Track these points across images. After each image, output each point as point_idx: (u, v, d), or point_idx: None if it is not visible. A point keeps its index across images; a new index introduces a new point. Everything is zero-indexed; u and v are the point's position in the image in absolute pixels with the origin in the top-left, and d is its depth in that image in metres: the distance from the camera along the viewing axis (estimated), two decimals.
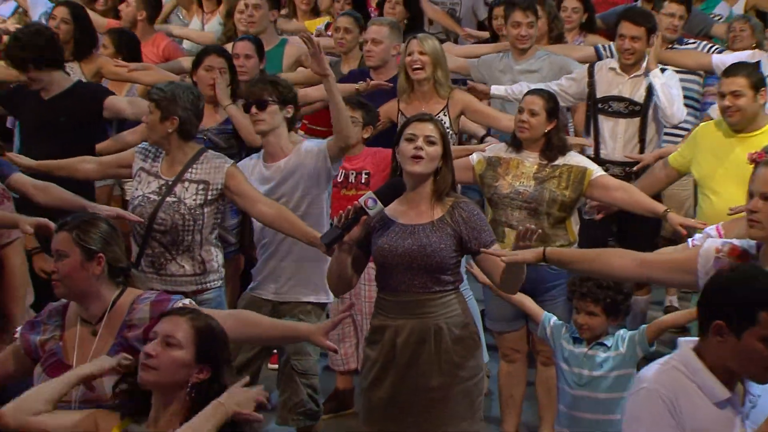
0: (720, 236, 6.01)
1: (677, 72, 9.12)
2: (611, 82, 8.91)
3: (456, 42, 11.31)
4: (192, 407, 4.36)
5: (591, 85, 8.94)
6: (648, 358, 5.37)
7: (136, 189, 6.85)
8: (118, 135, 8.22)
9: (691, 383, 4.17)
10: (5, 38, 9.90)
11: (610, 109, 8.85)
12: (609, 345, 6.33)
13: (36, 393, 4.62)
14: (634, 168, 8.57)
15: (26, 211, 6.54)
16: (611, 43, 9.48)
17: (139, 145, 7.01)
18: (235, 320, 5.03)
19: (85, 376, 4.67)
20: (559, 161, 7.39)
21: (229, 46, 9.04)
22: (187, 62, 9.46)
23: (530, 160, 7.40)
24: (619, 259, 5.32)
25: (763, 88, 7.36)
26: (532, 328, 7.48)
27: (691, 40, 9.85)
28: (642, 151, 8.72)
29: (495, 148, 7.67)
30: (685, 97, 9.27)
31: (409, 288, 5.98)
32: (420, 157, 5.91)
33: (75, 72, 8.94)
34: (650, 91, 8.79)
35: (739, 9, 11.72)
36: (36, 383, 4.91)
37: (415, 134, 5.93)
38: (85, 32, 9.29)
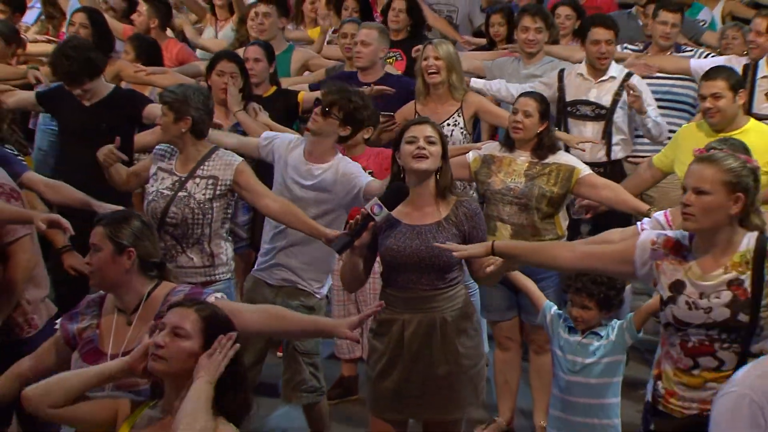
0: (668, 221, 6.20)
1: (675, 79, 9.15)
2: (579, 86, 8.89)
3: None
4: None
5: (561, 89, 8.93)
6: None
7: (152, 185, 6.83)
8: (137, 135, 8.15)
9: None
10: (29, 46, 9.90)
11: (578, 113, 8.82)
12: (602, 335, 6.31)
13: (60, 383, 4.57)
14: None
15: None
16: None
17: (156, 147, 6.98)
18: (266, 314, 5.05)
19: (110, 377, 4.62)
20: (549, 160, 7.36)
21: (241, 51, 8.99)
22: (203, 66, 9.29)
23: (522, 158, 7.38)
24: (563, 252, 5.41)
25: (741, 90, 7.35)
26: (524, 318, 7.52)
27: (689, 48, 9.75)
28: (608, 152, 8.73)
29: (489, 146, 7.64)
30: (681, 102, 9.34)
31: (416, 285, 5.97)
32: (424, 156, 5.88)
33: None
34: (616, 95, 8.81)
35: (716, 14, 11.61)
36: (73, 368, 4.92)
37: (416, 136, 5.91)
38: (103, 36, 9.25)
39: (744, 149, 6.04)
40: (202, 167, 6.73)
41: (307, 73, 10.02)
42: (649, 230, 5.41)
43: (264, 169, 7.25)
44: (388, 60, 9.90)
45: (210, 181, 6.69)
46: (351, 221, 5.81)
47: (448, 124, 8.39)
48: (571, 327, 6.36)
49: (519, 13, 9.67)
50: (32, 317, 6.35)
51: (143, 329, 4.88)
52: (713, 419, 3.98)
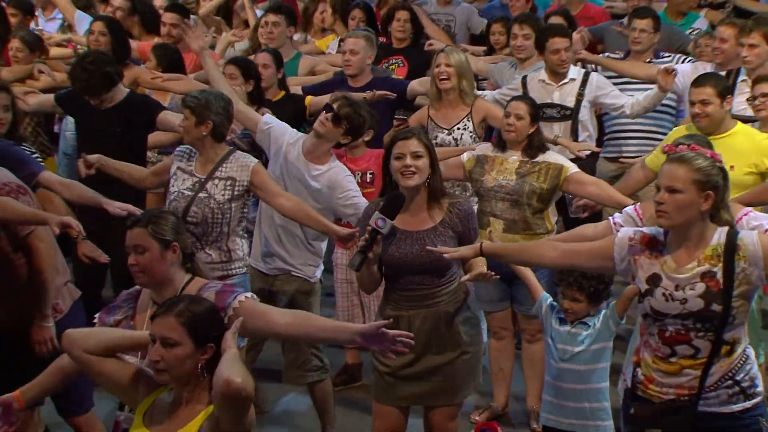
0: (638, 215, 6.20)
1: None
2: (542, 91, 8.83)
3: None
4: (211, 379, 4.32)
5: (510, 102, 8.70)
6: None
7: (173, 185, 6.80)
8: (151, 134, 8.17)
9: None
10: (51, 50, 9.87)
11: (544, 116, 8.65)
12: (590, 324, 6.29)
13: (100, 334, 4.63)
14: None
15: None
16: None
17: (177, 149, 6.97)
18: (294, 317, 4.94)
19: (140, 343, 4.61)
20: (539, 158, 7.35)
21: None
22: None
23: (513, 158, 7.37)
24: (547, 251, 5.39)
25: (728, 96, 7.31)
26: (516, 308, 7.51)
27: (667, 54, 9.69)
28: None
29: (483, 147, 7.63)
30: (663, 104, 9.22)
31: (418, 285, 5.94)
32: (412, 173, 5.83)
33: None
34: (579, 95, 8.81)
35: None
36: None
37: (403, 153, 5.85)
38: (121, 43, 9.25)
39: (707, 144, 6.04)
40: (220, 169, 6.71)
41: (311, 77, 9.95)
42: (626, 228, 5.35)
43: None
44: (390, 66, 9.93)
45: (228, 182, 6.68)
46: (360, 239, 5.77)
47: (458, 128, 8.38)
48: (562, 318, 6.34)
49: (510, 23, 9.77)
50: (57, 302, 6.32)
51: None
52: None
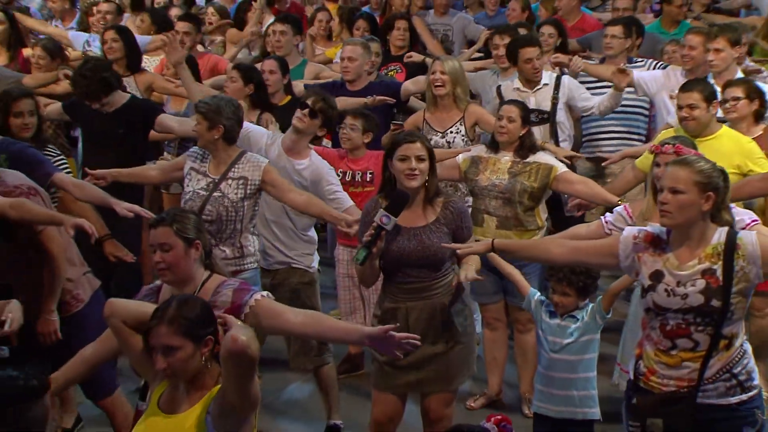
0: (628, 214, 6.25)
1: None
2: (518, 98, 8.60)
3: None
4: (216, 364, 4.28)
5: (502, 104, 8.53)
6: None
7: (187, 186, 6.74)
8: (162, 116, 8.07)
9: None
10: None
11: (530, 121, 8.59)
12: (578, 317, 6.23)
13: (136, 307, 4.57)
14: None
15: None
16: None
17: (190, 150, 6.91)
18: (306, 317, 4.88)
19: None
20: (530, 159, 7.32)
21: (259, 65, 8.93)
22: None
23: (506, 158, 7.33)
24: (556, 248, 5.32)
25: (714, 101, 7.27)
26: (509, 301, 7.45)
27: (640, 60, 9.63)
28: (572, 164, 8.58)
29: (477, 149, 7.60)
30: (635, 106, 9.29)
31: (415, 278, 5.88)
32: (415, 174, 5.79)
33: (130, 85, 8.86)
34: (554, 98, 8.75)
35: None
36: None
37: (407, 155, 5.80)
38: (133, 49, 9.22)
39: (691, 144, 6.17)
40: (233, 169, 6.63)
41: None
42: (630, 227, 5.28)
43: None
44: (389, 72, 9.88)
45: (241, 182, 6.61)
46: (366, 236, 5.70)
47: (451, 132, 8.35)
48: (552, 312, 6.29)
49: (492, 33, 9.71)
50: (77, 293, 6.28)
51: None
52: None
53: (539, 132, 8.60)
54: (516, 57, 8.81)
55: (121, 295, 5.03)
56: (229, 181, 6.60)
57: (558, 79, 8.80)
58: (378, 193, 6.03)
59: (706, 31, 8.76)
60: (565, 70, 9.19)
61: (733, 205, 5.86)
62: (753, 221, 5.89)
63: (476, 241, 6.21)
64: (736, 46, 8.38)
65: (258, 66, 8.78)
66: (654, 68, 9.34)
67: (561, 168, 7.31)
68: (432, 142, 7.82)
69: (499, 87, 8.88)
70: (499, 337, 7.64)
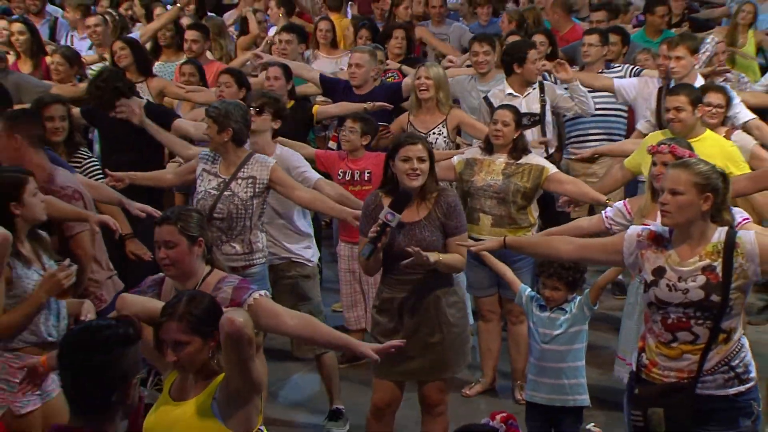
0: (627, 209, 6.29)
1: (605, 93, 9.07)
2: (509, 103, 8.52)
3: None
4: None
5: (492, 112, 8.18)
6: None
7: (200, 186, 6.67)
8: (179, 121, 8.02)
9: None
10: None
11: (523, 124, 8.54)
12: (567, 310, 6.18)
13: (146, 303, 4.56)
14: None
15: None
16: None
17: (201, 152, 6.85)
18: (302, 322, 4.85)
19: None
20: (523, 160, 7.26)
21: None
22: None
23: (500, 160, 7.27)
24: (563, 245, 5.26)
25: (699, 104, 7.22)
26: (503, 294, 7.38)
27: (617, 65, 9.62)
28: (546, 150, 8.58)
29: (471, 151, 7.55)
30: (614, 110, 9.26)
31: (411, 271, 5.80)
32: (417, 175, 5.76)
33: (143, 91, 8.76)
34: (542, 101, 8.65)
35: None
36: None
37: (409, 156, 5.76)
38: (141, 55, 9.20)
39: (687, 145, 6.12)
40: (242, 170, 6.55)
41: None
42: (634, 226, 5.22)
43: None
44: (387, 79, 9.81)
45: (250, 181, 6.53)
46: (371, 233, 5.67)
47: (434, 133, 8.28)
48: (542, 305, 6.23)
49: (470, 41, 9.70)
50: (101, 293, 6.27)
51: None
52: None
53: (531, 135, 8.52)
54: (515, 61, 8.64)
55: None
56: (239, 181, 6.53)
57: (541, 84, 8.72)
58: (380, 188, 5.98)
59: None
60: (546, 75, 9.12)
61: None
62: (744, 219, 5.84)
63: (471, 237, 6.25)
64: (695, 53, 8.41)
65: (264, 73, 8.76)
66: (631, 73, 9.34)
67: (552, 169, 7.28)
68: None
69: (486, 97, 8.72)
70: (493, 328, 7.60)
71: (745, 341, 4.90)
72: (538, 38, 9.80)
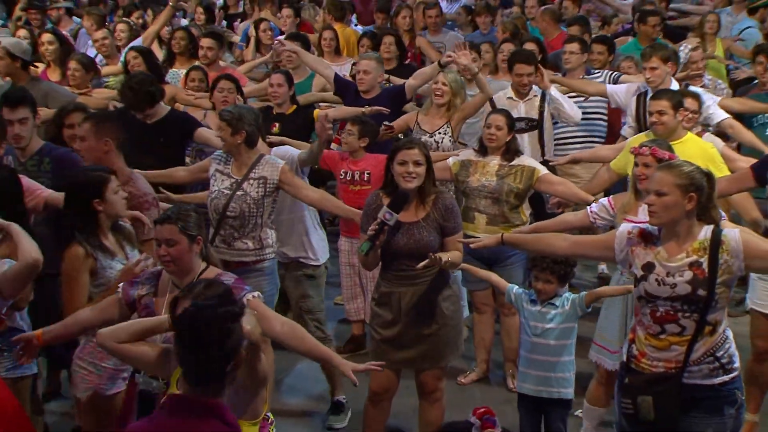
0: (611, 206, 6.29)
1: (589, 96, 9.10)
2: (509, 107, 8.52)
3: None
4: None
5: (490, 114, 8.38)
6: None
7: (213, 185, 6.63)
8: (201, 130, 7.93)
9: None
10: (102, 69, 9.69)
11: (515, 128, 8.41)
12: (557, 304, 6.14)
13: (126, 327, 4.46)
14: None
15: None
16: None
17: (214, 153, 6.82)
18: (290, 330, 4.82)
19: (157, 327, 4.45)
20: (515, 162, 7.26)
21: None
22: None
23: (494, 162, 7.27)
24: (558, 241, 5.28)
25: (681, 108, 7.19)
26: (496, 288, 7.21)
27: (597, 71, 9.65)
28: (543, 154, 8.60)
29: (466, 153, 7.52)
30: (596, 113, 9.24)
31: (409, 267, 5.81)
32: (412, 177, 5.76)
33: None
34: (540, 107, 8.64)
35: None
36: None
37: (406, 160, 5.76)
38: (153, 66, 9.17)
39: (668, 147, 6.12)
40: (254, 171, 6.52)
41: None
42: (625, 224, 5.19)
43: None
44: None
45: (261, 181, 6.50)
46: (371, 230, 5.68)
47: (439, 133, 8.26)
48: (533, 299, 6.20)
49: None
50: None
51: None
52: None
53: (528, 138, 8.56)
54: (509, 69, 8.75)
55: None
56: (251, 181, 6.50)
57: (544, 92, 8.68)
58: (381, 189, 5.97)
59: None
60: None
61: None
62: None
63: (466, 235, 6.24)
64: (668, 62, 8.38)
65: (267, 80, 8.75)
66: (610, 78, 9.39)
67: (542, 170, 7.28)
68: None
69: (491, 99, 8.69)
70: (487, 320, 7.60)
71: (730, 333, 4.89)
72: (529, 46, 9.78)
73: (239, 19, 13.92)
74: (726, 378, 4.78)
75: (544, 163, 7.95)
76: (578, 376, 6.23)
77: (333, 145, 8.45)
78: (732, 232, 4.78)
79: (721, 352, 4.78)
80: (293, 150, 7.11)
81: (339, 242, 7.90)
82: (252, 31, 11.69)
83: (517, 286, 6.36)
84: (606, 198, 6.39)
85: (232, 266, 6.35)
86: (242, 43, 12.18)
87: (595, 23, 12.81)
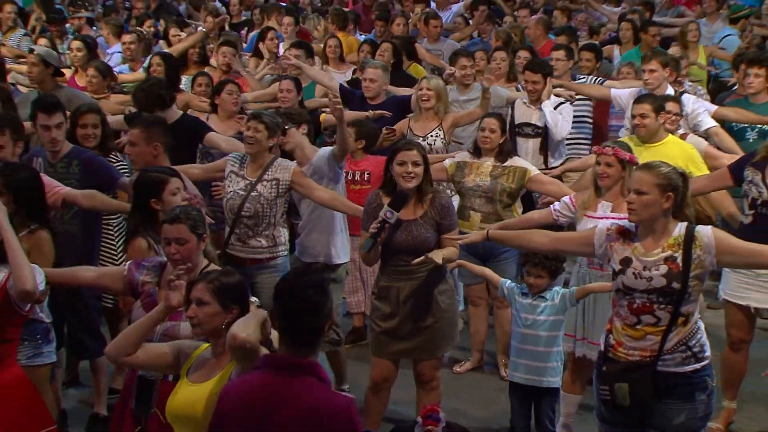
0: (572, 203, 6.30)
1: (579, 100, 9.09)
2: (524, 112, 8.73)
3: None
4: None
5: (512, 115, 8.80)
6: None
7: (228, 186, 6.66)
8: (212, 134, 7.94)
9: None
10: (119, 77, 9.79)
11: (523, 132, 8.71)
12: (547, 297, 6.19)
13: (125, 337, 4.45)
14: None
15: None
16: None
17: (230, 155, 6.84)
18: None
19: (157, 320, 4.49)
20: (508, 163, 7.29)
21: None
22: (250, 96, 9.48)
23: (488, 163, 7.31)
24: (540, 237, 5.31)
25: (662, 112, 7.25)
26: (490, 282, 7.28)
27: (582, 76, 9.75)
28: (546, 161, 8.63)
29: (462, 155, 7.55)
30: (583, 116, 9.30)
31: (406, 263, 5.85)
32: (411, 177, 5.78)
33: None
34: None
35: None
36: (134, 312, 4.90)
37: (405, 160, 5.79)
38: (173, 71, 9.23)
39: (627, 148, 6.13)
40: (267, 172, 6.57)
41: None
42: (604, 221, 5.30)
43: None
44: None
45: (274, 183, 6.54)
46: (372, 228, 5.73)
47: (431, 136, 8.31)
48: (524, 292, 6.25)
49: (454, 55, 9.75)
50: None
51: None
52: None
53: (533, 144, 8.65)
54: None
55: None
56: (264, 183, 6.54)
57: (557, 104, 8.71)
58: (380, 188, 6.00)
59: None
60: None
61: None
62: None
63: (462, 233, 6.24)
64: (666, 67, 8.43)
65: (272, 85, 8.87)
66: (594, 83, 9.47)
67: (534, 171, 7.31)
68: None
69: (513, 102, 8.88)
70: (481, 312, 7.63)
71: (701, 324, 4.92)
72: (523, 53, 9.84)
73: (246, 28, 13.96)
74: (698, 366, 4.81)
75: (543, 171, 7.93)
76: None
77: None
78: (705, 229, 4.80)
79: (693, 342, 4.80)
80: (326, 147, 7.14)
81: None
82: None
83: (509, 281, 6.41)
84: (568, 196, 6.41)
85: (247, 263, 6.47)
86: (246, 54, 12.19)
87: (584, 34, 12.93)
